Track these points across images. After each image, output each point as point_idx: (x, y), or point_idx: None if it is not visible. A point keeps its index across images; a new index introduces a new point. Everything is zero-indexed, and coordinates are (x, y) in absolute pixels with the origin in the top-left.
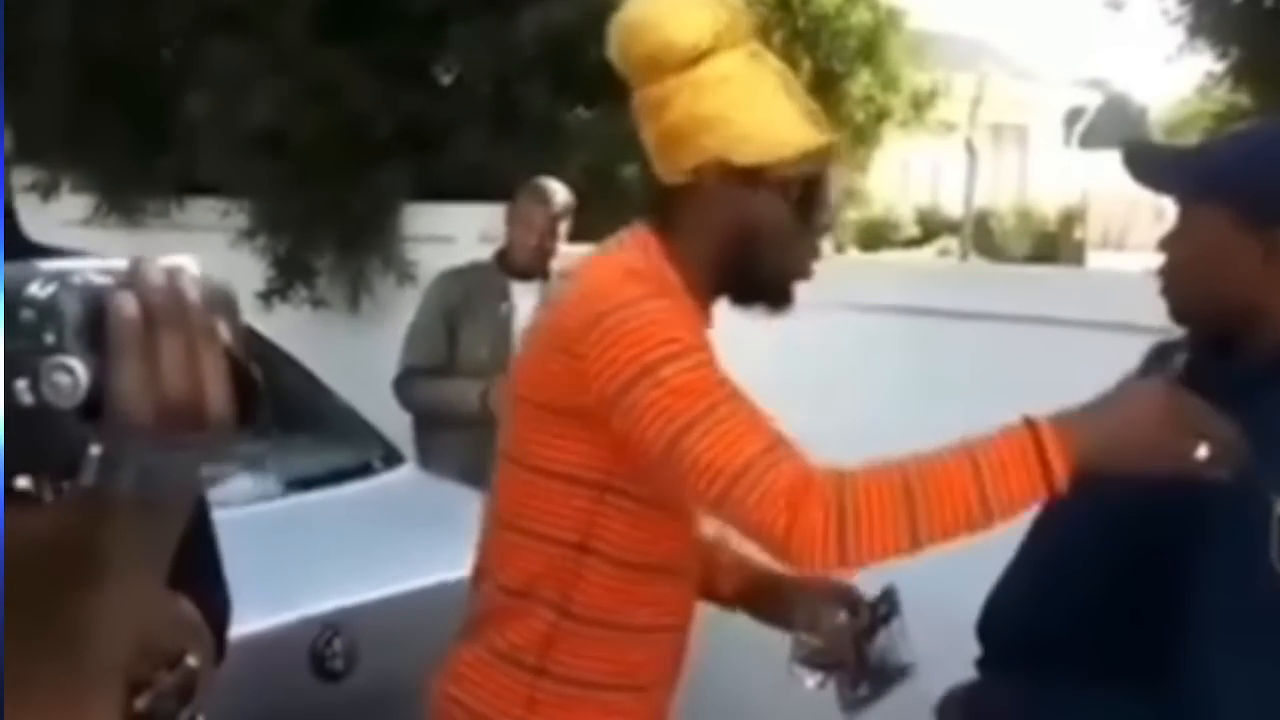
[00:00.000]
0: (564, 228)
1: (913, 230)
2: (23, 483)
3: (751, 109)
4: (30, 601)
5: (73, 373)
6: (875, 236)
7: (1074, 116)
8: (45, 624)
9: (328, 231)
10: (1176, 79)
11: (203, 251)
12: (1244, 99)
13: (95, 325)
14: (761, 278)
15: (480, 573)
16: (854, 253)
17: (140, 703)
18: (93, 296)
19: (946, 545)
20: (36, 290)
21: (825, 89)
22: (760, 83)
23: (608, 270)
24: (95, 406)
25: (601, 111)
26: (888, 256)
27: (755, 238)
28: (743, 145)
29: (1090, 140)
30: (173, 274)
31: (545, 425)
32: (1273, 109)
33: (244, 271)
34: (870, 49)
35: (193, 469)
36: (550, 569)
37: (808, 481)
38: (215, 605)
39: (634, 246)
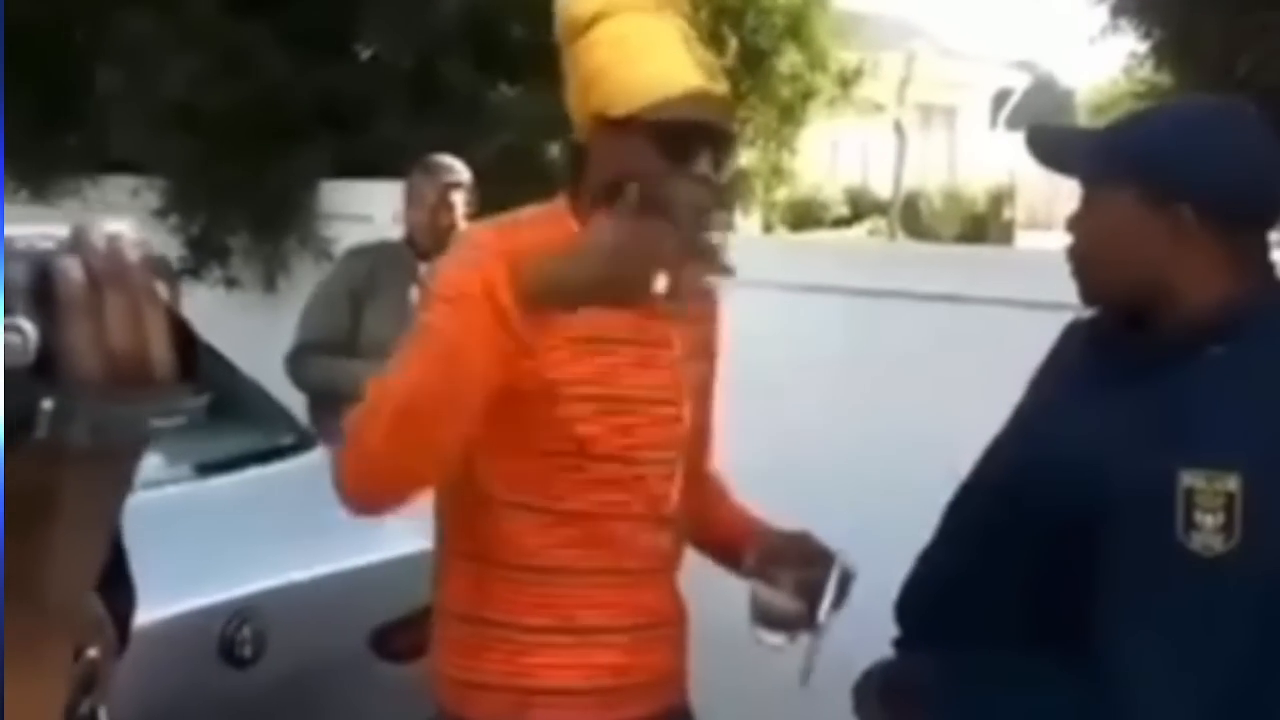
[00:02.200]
0: (459, 199)
1: (842, 210)
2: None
3: (629, 62)
4: (42, 530)
5: (22, 333)
6: (805, 216)
7: (1002, 98)
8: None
9: (242, 209)
10: (1102, 60)
11: None
12: (1166, 79)
13: (42, 288)
14: None
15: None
16: (783, 232)
17: None
18: (38, 261)
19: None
20: None
21: (751, 66)
22: (648, 38)
23: (477, 227)
24: (47, 365)
25: (524, 89)
26: (817, 236)
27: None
28: (615, 97)
29: (1017, 121)
30: (113, 238)
31: None
32: (1194, 89)
33: (156, 251)
34: (797, 27)
35: (140, 421)
36: (463, 516)
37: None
38: (119, 596)
39: (537, 212)
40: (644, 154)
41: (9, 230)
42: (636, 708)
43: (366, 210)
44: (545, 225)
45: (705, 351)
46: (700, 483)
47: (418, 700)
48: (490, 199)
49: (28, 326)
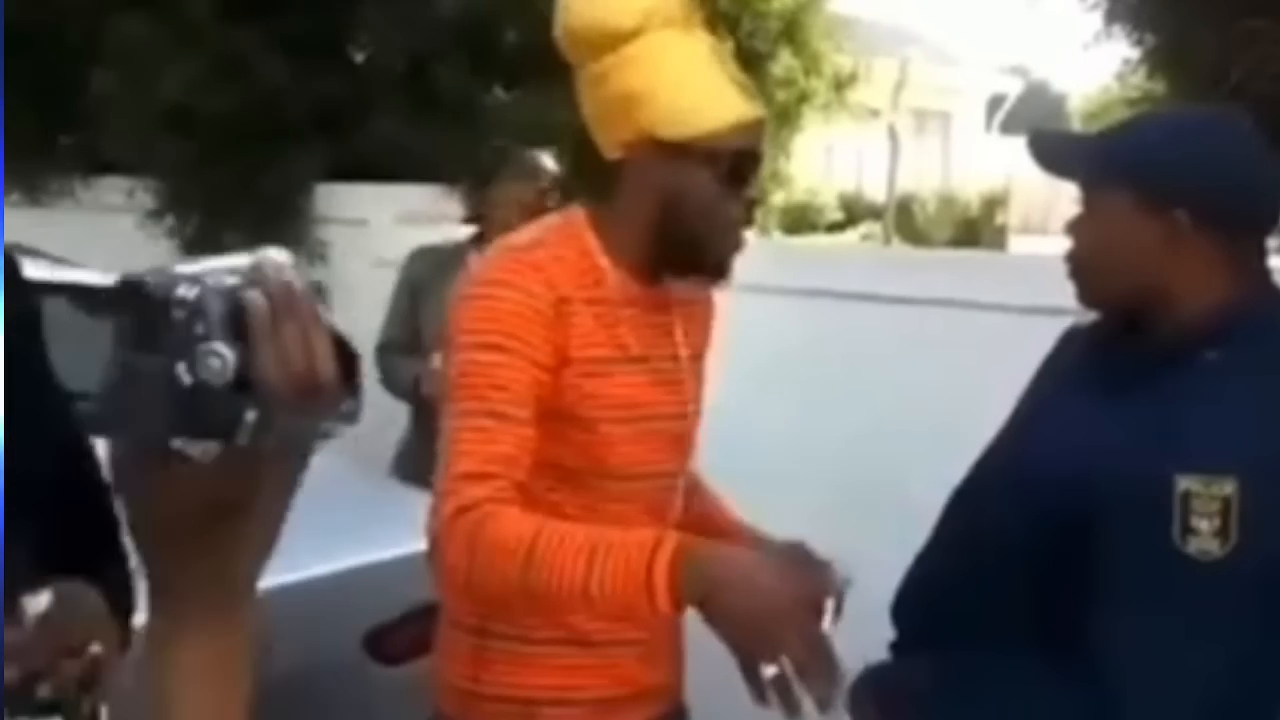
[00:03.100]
0: (552, 204)
1: (837, 215)
2: (188, 446)
3: (681, 85)
4: (200, 533)
5: (221, 357)
6: (799, 220)
7: (996, 103)
8: (210, 549)
9: (237, 212)
10: (1096, 66)
11: (109, 232)
12: (1159, 86)
13: (234, 317)
14: (692, 250)
15: None
16: (778, 236)
17: (42, 690)
18: (229, 293)
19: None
20: (184, 292)
21: (746, 70)
22: (692, 59)
23: (495, 249)
24: (243, 383)
25: (520, 94)
26: (811, 240)
27: (683, 211)
28: (670, 120)
29: (1011, 127)
30: (281, 269)
31: None
32: (1187, 96)
33: (151, 253)
34: (792, 31)
35: (317, 427)
36: None
37: (458, 515)
38: (121, 594)
39: (552, 227)
40: (700, 179)
41: (199, 266)
42: (637, 715)
43: (360, 213)
44: (566, 245)
45: (697, 351)
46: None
47: (413, 702)
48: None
49: (226, 351)
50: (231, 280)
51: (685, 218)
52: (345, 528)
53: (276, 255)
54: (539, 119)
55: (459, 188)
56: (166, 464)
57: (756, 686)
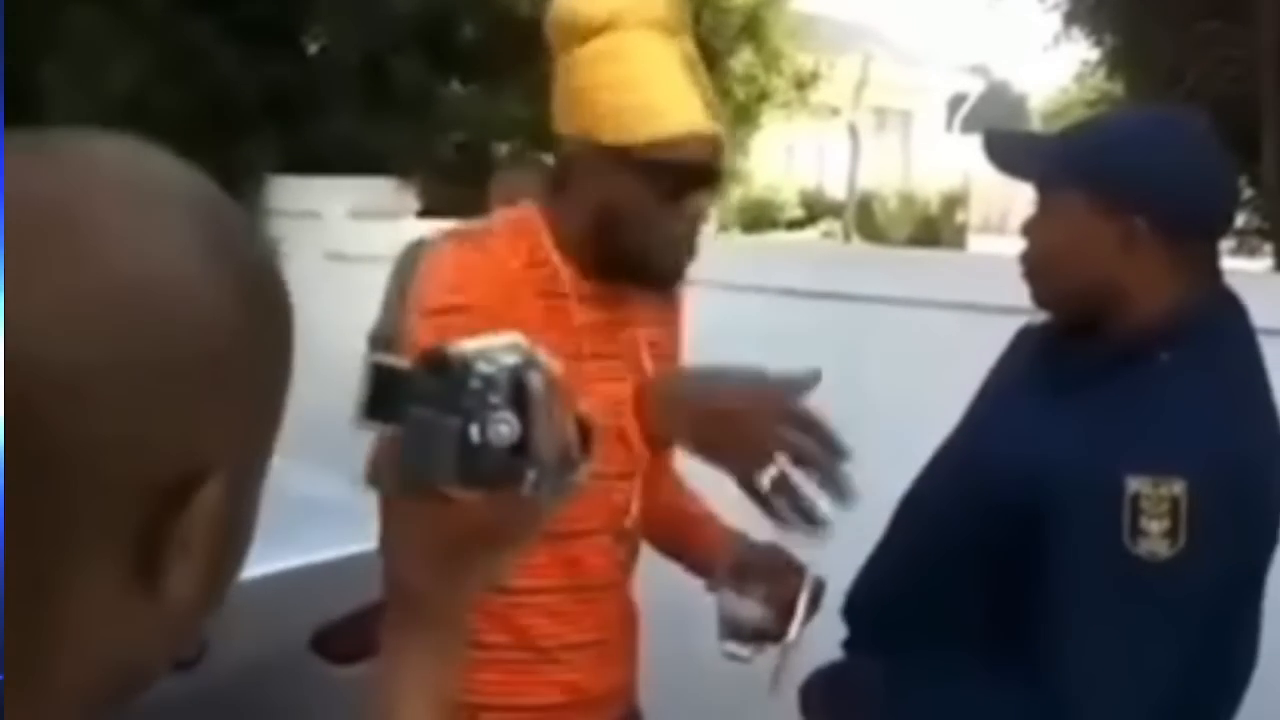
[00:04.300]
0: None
1: (797, 212)
2: (456, 491)
3: (629, 89)
4: (477, 560)
5: (508, 424)
6: (759, 217)
7: (957, 102)
8: (482, 574)
9: None
10: (1056, 67)
11: None
12: (1117, 87)
13: (518, 392)
14: (629, 261)
15: None
16: (737, 233)
17: None
18: (513, 372)
19: None
20: (482, 368)
21: (706, 67)
22: (652, 65)
23: (442, 240)
24: (518, 446)
25: (477, 88)
26: (771, 237)
27: (619, 221)
28: (608, 124)
29: (972, 126)
30: (543, 353)
31: None
32: (1144, 97)
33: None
34: (753, 27)
35: (572, 484)
36: None
37: None
38: None
39: (504, 218)
40: (633, 189)
41: (488, 346)
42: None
43: (313, 205)
44: (517, 237)
45: (669, 355)
46: (663, 478)
47: (360, 702)
48: (441, 197)
49: (512, 419)
50: (513, 360)
51: (621, 228)
52: (290, 528)
53: (515, 339)
54: (494, 114)
55: (414, 181)
56: (436, 504)
57: (765, 507)
